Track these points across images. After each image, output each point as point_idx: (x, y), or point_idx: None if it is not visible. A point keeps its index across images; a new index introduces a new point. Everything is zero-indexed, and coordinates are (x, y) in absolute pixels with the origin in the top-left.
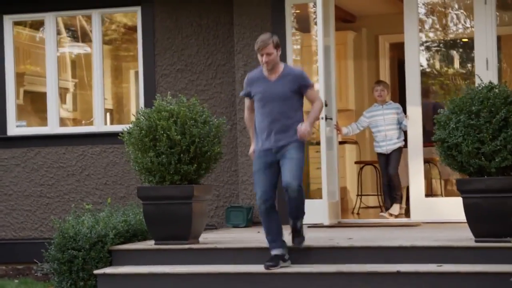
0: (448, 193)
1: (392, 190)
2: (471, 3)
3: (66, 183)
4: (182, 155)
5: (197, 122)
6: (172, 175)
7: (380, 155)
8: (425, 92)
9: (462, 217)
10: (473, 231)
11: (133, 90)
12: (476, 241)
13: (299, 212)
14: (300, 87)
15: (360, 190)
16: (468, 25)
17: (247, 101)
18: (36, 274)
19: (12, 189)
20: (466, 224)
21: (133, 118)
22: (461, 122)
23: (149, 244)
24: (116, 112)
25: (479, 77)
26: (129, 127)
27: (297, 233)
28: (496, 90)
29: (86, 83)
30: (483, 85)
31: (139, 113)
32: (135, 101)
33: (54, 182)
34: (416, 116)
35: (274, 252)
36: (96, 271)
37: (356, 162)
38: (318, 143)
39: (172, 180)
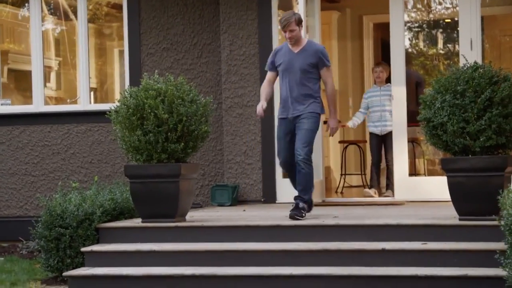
0: (430, 173)
1: (389, 175)
2: None
3: (51, 162)
4: (169, 133)
5: (184, 101)
6: (160, 153)
7: (372, 135)
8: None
9: (445, 196)
10: (457, 210)
11: (117, 69)
12: (460, 219)
13: (307, 183)
14: (319, 62)
15: (344, 170)
16: (450, 5)
17: (268, 74)
18: (21, 252)
19: None
20: (450, 203)
21: (118, 97)
22: (447, 102)
23: (136, 222)
24: (100, 91)
25: (464, 57)
26: (116, 105)
27: (296, 206)
28: (481, 70)
29: (69, 62)
30: (468, 65)
31: (126, 92)
32: (120, 80)
33: (39, 161)
34: (400, 96)
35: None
36: (83, 249)
37: (340, 142)
38: None
39: (159, 159)
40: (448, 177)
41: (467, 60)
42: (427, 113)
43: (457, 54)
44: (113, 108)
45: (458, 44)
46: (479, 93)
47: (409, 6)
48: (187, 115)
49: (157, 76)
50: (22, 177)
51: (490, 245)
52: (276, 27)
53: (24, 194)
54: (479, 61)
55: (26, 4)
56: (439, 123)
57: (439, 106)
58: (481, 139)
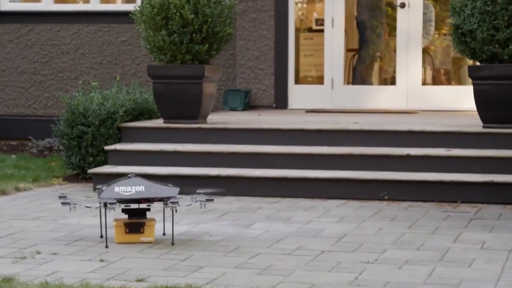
0: (441, 82)
1: None
2: None
3: (60, 61)
4: (194, 34)
5: (209, 1)
6: (184, 54)
7: None
8: None
9: (456, 105)
10: (482, 117)
11: None
12: (484, 127)
13: None
14: None
15: (350, 78)
16: None
17: None
18: (31, 150)
19: (5, 65)
20: (464, 112)
21: None
22: (477, 9)
23: (158, 122)
24: None
25: None
26: (140, 5)
27: None
28: None
29: None
30: None
31: None
32: None
33: (48, 60)
34: (417, 4)
35: None
36: (107, 147)
37: (348, 50)
38: (309, 30)
39: (183, 60)
40: (475, 84)
41: None
42: (457, 19)
43: None
44: (137, 7)
45: None
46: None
47: None
48: (212, 16)
49: None
50: (31, 76)
51: None
52: None
53: (32, 93)
54: None
55: None
56: (468, 30)
57: (469, 12)
58: (510, 47)
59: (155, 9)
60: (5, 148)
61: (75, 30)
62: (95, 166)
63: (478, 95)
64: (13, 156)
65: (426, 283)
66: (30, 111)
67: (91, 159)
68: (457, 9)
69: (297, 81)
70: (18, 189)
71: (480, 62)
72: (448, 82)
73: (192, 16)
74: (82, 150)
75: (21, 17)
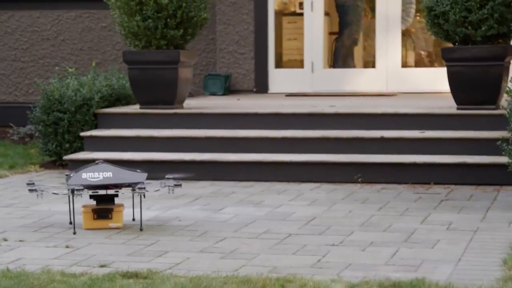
0: (421, 64)
1: None
2: None
3: (40, 48)
4: (168, 19)
5: None
6: (159, 39)
7: None
8: None
9: (436, 87)
10: (456, 99)
11: None
12: (458, 109)
13: None
14: None
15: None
16: None
17: None
18: (12, 137)
19: None
20: (442, 94)
21: None
22: None
23: (134, 108)
24: None
25: None
26: None
27: None
28: None
29: None
30: None
31: None
32: None
33: (28, 46)
34: None
35: None
36: (82, 133)
37: (330, 33)
38: (293, 14)
39: (158, 45)
40: (448, 66)
41: None
42: (429, 1)
43: None
44: None
45: None
46: None
47: None
48: (187, 1)
49: None
50: (11, 63)
51: (490, 133)
52: None
53: (13, 80)
54: None
55: None
56: (441, 12)
57: None
58: (482, 29)
59: None
60: None
61: (55, 16)
62: (71, 153)
63: (451, 76)
64: None
65: (387, 264)
66: (11, 98)
67: (67, 145)
68: None
69: (280, 65)
70: None
71: (454, 44)
72: (431, 64)
73: (167, 1)
74: (59, 137)
75: (1, 4)
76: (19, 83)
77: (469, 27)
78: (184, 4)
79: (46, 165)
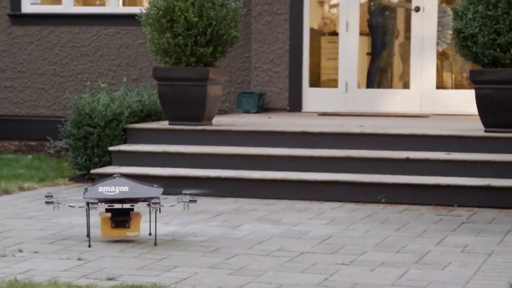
0: (457, 86)
1: None
2: None
3: (79, 63)
4: (198, 37)
5: (214, 4)
6: (188, 56)
7: None
8: None
9: (471, 110)
10: (484, 122)
11: None
12: (485, 131)
13: None
14: None
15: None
16: None
17: None
18: (48, 150)
19: (26, 66)
20: (476, 117)
21: (147, 0)
22: (479, 13)
23: (163, 124)
24: None
25: None
26: (146, 8)
27: None
28: None
29: None
30: None
31: None
32: None
33: (67, 62)
34: (431, 8)
35: None
36: (111, 148)
37: (368, 54)
38: (331, 34)
39: (188, 62)
40: (476, 89)
41: None
42: (458, 23)
43: None
44: (143, 10)
45: None
46: None
47: None
48: (217, 19)
49: None
50: (51, 78)
51: None
52: None
53: (52, 94)
54: None
55: None
56: (470, 34)
57: (471, 17)
58: (511, 51)
59: (161, 12)
60: (24, 148)
61: (94, 32)
62: (100, 167)
63: (479, 99)
64: (29, 156)
65: (394, 285)
66: (49, 112)
67: (96, 159)
68: (459, 13)
69: (315, 84)
70: (22, 189)
71: (482, 66)
72: (467, 86)
73: (197, 19)
74: (88, 151)
75: (42, 19)
76: (58, 97)
77: (498, 49)
78: (214, 22)
79: (75, 179)
